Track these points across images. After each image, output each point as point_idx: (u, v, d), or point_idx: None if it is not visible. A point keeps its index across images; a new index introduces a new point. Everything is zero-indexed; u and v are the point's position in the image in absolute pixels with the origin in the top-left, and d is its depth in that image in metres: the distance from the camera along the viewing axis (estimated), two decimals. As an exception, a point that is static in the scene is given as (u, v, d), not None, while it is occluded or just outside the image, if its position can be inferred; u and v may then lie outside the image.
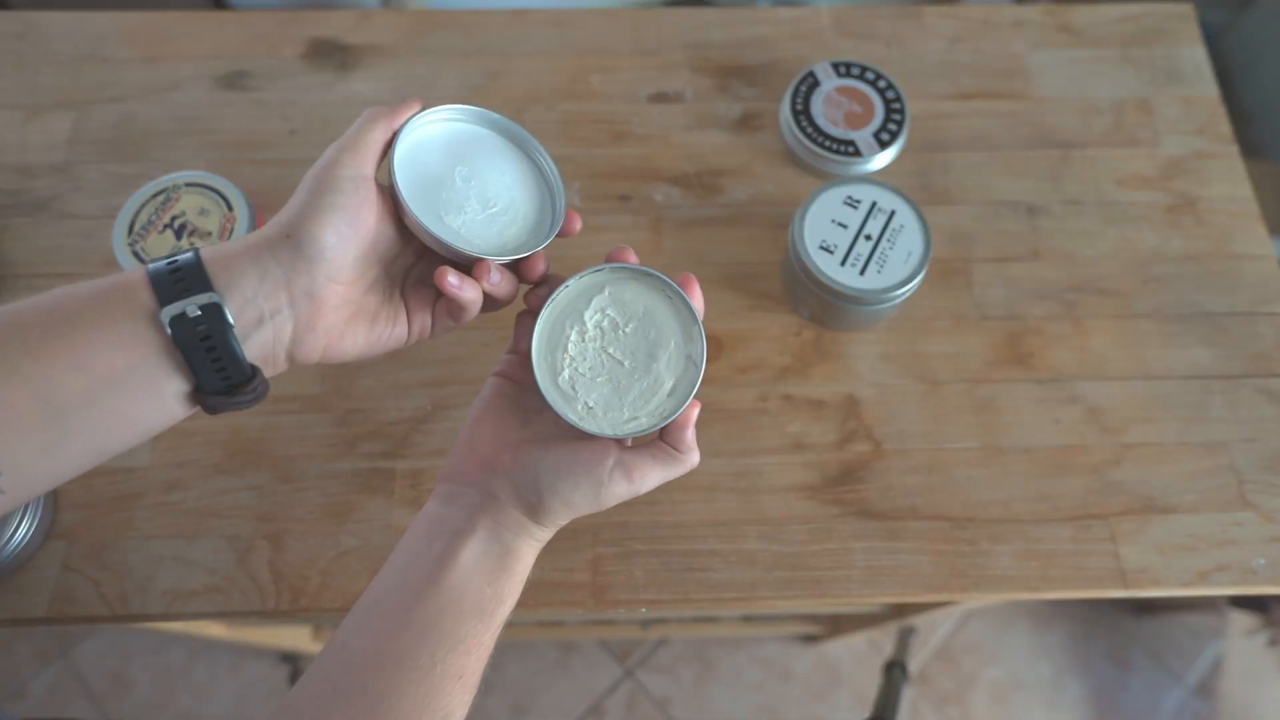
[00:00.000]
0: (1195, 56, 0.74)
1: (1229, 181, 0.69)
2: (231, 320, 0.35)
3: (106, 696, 1.31)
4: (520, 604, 0.55)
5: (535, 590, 0.55)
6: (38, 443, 0.32)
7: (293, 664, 1.22)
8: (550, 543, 0.56)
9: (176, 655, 1.34)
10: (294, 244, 0.36)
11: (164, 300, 0.34)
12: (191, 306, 0.34)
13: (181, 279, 0.34)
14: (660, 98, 0.71)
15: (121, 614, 0.53)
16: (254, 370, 0.36)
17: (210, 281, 0.35)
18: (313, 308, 0.37)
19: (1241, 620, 1.13)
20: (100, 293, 0.34)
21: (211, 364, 0.35)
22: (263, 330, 0.36)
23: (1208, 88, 0.73)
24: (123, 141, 0.68)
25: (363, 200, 0.38)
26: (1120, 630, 1.39)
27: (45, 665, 1.33)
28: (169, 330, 0.34)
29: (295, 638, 1.14)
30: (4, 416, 0.31)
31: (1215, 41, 1.62)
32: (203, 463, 0.57)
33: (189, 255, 0.35)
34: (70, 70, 0.70)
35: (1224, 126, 0.71)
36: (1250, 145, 1.52)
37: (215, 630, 0.95)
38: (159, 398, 0.35)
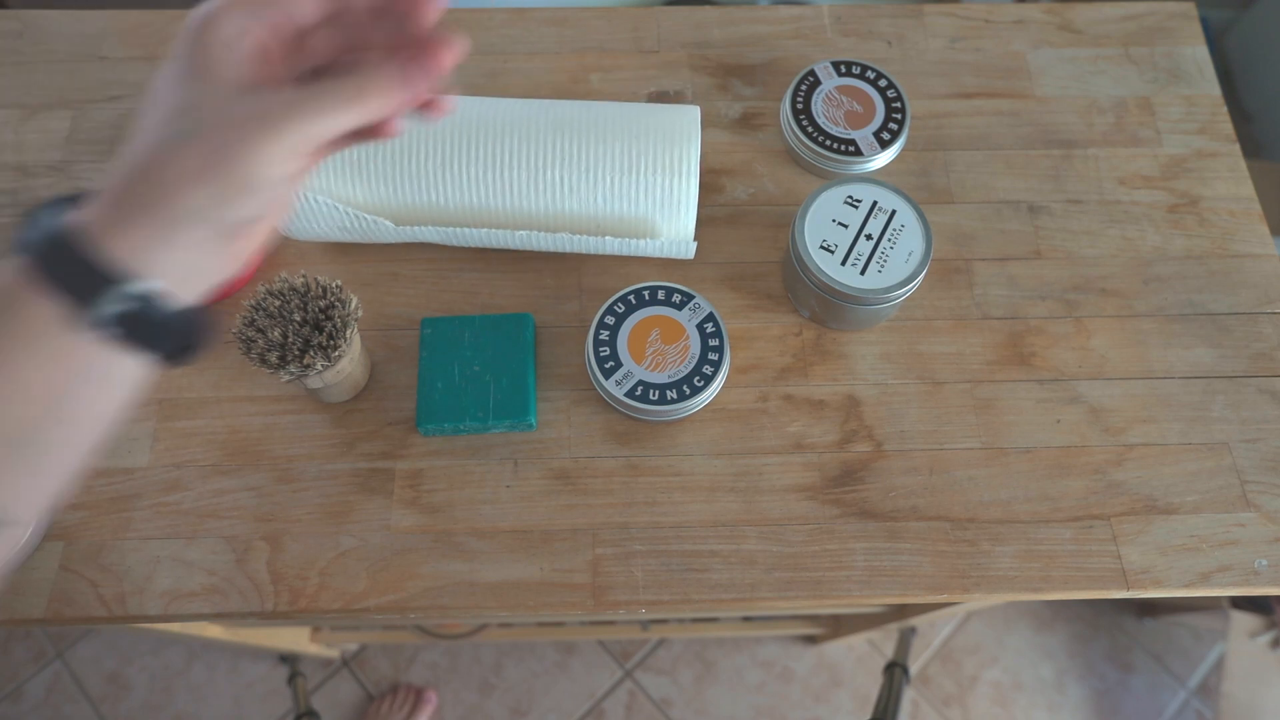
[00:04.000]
0: (1197, 55, 0.74)
1: (1231, 181, 0.69)
2: (160, 287, 0.30)
3: (104, 698, 1.31)
4: (520, 604, 0.55)
5: (535, 591, 0.55)
6: (26, 474, 0.31)
7: (291, 665, 1.22)
8: (550, 543, 0.56)
9: (174, 656, 1.34)
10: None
11: (75, 302, 0.29)
12: (113, 303, 0.29)
13: (75, 267, 0.29)
14: (660, 97, 0.71)
15: (119, 615, 0.53)
16: (200, 312, 0.32)
17: (111, 267, 0.29)
18: (252, 229, 0.33)
19: (1244, 621, 1.13)
20: None
21: (161, 337, 0.31)
22: (204, 281, 0.32)
23: (1210, 87, 0.73)
24: (121, 141, 0.67)
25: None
26: (1122, 631, 1.39)
27: (42, 666, 1.33)
28: (104, 332, 0.30)
29: (294, 638, 1.14)
30: None
31: (1217, 41, 1.62)
32: (201, 463, 0.57)
33: (63, 229, 0.30)
34: (68, 69, 0.70)
35: (1226, 126, 0.71)
36: (1252, 144, 1.52)
37: (213, 631, 0.94)
38: (118, 384, 0.32)
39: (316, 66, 0.35)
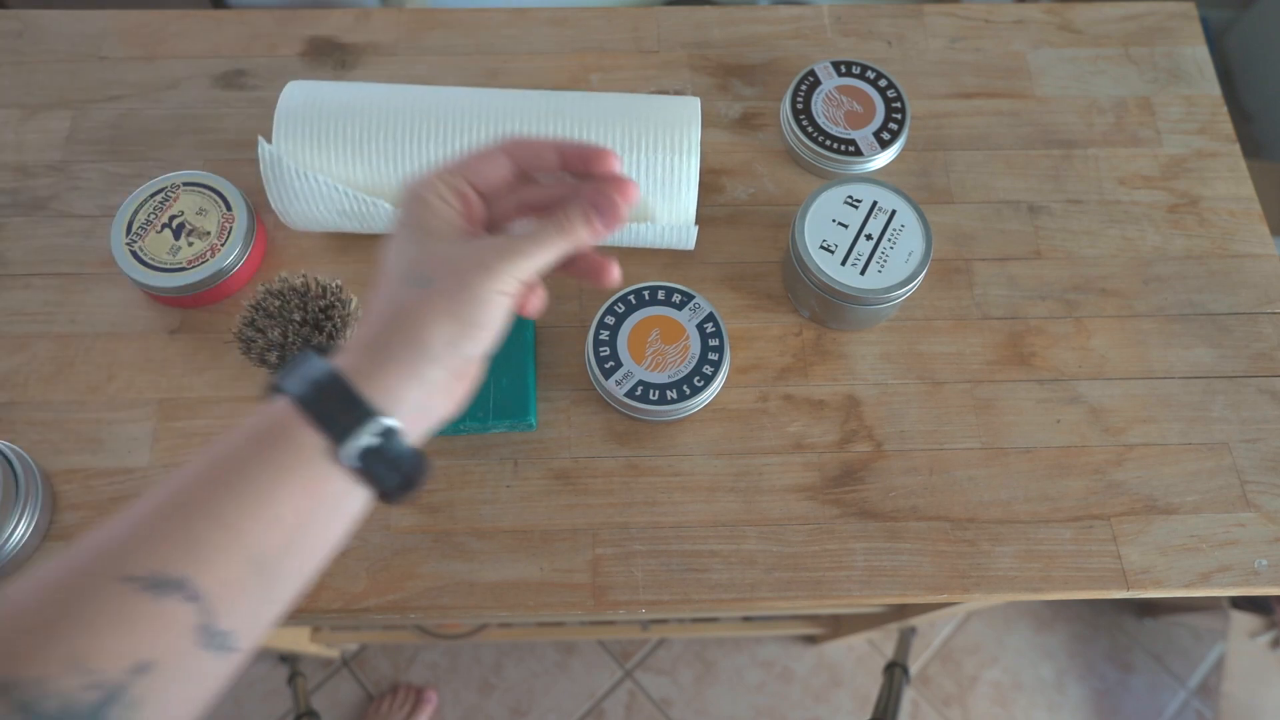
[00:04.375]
0: (1197, 55, 0.74)
1: (1231, 181, 0.69)
2: (404, 432, 0.35)
3: (105, 697, 1.31)
4: (520, 604, 0.55)
5: (535, 591, 0.55)
6: (258, 600, 0.33)
7: (291, 665, 1.22)
8: (550, 543, 0.56)
9: (176, 656, 1.34)
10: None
11: (335, 436, 0.34)
12: (366, 437, 0.34)
13: (336, 405, 0.34)
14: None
15: (119, 615, 0.53)
16: (422, 454, 0.36)
17: (369, 405, 0.34)
18: (470, 368, 0.38)
19: (1244, 621, 1.13)
20: (261, 444, 0.33)
21: (391, 473, 0.35)
22: (429, 421, 0.37)
23: (1210, 87, 0.72)
24: (121, 140, 0.67)
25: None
26: (1122, 632, 1.39)
27: (44, 666, 1.33)
28: (352, 464, 0.34)
29: (294, 638, 1.14)
30: (226, 591, 0.32)
31: (1217, 41, 1.62)
32: (201, 463, 0.57)
33: (326, 372, 0.34)
34: (68, 69, 0.70)
35: (1226, 126, 0.71)
36: (1252, 144, 1.52)
37: (214, 631, 0.94)
38: (346, 517, 0.35)
39: (517, 211, 0.41)
